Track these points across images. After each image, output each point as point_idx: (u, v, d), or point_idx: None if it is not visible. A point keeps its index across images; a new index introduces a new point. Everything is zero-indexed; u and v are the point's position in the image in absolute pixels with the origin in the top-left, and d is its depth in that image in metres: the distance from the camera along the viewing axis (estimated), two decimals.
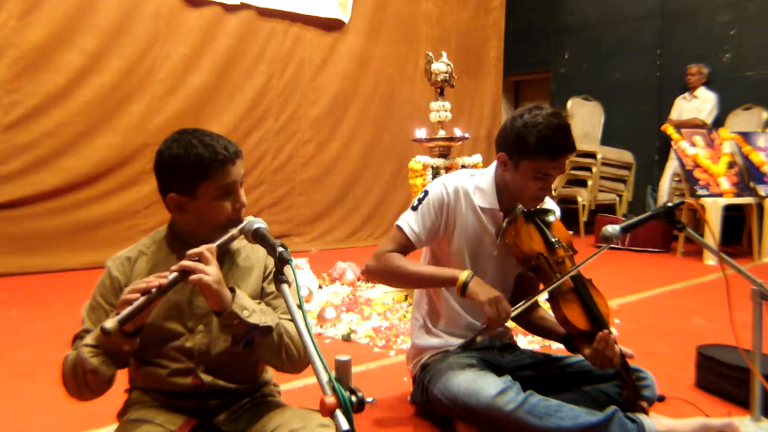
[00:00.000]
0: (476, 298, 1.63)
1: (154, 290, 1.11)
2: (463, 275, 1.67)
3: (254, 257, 1.37)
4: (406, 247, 1.80)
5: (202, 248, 1.17)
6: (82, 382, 1.18)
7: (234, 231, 1.22)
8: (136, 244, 1.36)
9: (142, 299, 1.10)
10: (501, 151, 1.78)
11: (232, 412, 1.32)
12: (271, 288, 1.35)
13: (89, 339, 1.18)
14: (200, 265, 1.15)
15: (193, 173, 1.23)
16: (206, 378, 1.29)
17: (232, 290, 1.19)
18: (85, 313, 1.28)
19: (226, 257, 1.34)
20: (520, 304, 1.69)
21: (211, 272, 1.15)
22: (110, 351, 1.17)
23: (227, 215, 1.27)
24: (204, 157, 1.22)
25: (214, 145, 1.24)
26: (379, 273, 1.79)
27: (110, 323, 1.06)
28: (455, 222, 1.82)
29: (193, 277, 1.13)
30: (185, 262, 1.15)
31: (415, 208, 1.82)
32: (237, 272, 1.34)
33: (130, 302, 1.10)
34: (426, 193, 1.84)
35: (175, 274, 1.13)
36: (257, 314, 1.20)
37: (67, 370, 1.20)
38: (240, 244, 1.37)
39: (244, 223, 1.22)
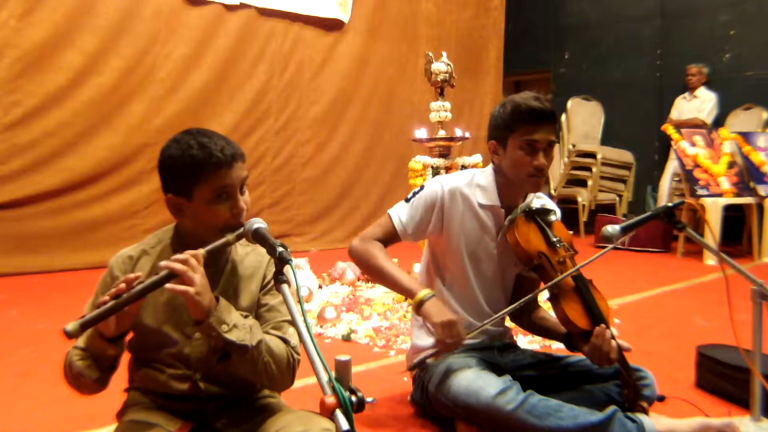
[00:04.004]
0: (429, 320, 1.62)
1: (124, 295, 1.07)
2: (422, 293, 1.66)
3: (254, 267, 1.34)
4: (391, 236, 1.81)
5: (187, 254, 1.13)
6: (78, 380, 1.19)
7: (230, 236, 1.18)
8: (140, 242, 1.34)
9: (110, 304, 1.06)
10: (489, 141, 1.81)
11: (231, 414, 1.31)
12: (266, 300, 1.32)
13: (80, 341, 1.18)
14: (188, 273, 1.10)
15: (187, 175, 1.20)
16: (204, 385, 1.27)
17: (219, 300, 1.16)
18: (87, 309, 1.27)
19: (228, 265, 1.32)
20: (479, 325, 1.72)
21: (194, 280, 1.10)
22: (96, 355, 1.16)
23: (224, 220, 1.23)
24: (198, 159, 1.19)
25: (210, 147, 1.20)
26: (358, 256, 1.80)
27: (71, 325, 1.02)
28: (450, 223, 1.82)
29: (173, 286, 1.09)
30: (170, 265, 1.11)
31: (408, 200, 1.84)
32: (237, 281, 1.31)
33: (100, 305, 1.07)
34: (422, 188, 1.85)
35: (152, 279, 1.10)
36: (237, 330, 1.15)
37: (66, 366, 1.21)
38: (244, 251, 1.35)
39: (242, 228, 1.17)
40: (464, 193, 1.82)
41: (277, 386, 1.28)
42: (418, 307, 1.66)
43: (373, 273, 1.80)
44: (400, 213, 1.82)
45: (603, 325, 1.65)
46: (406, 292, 1.72)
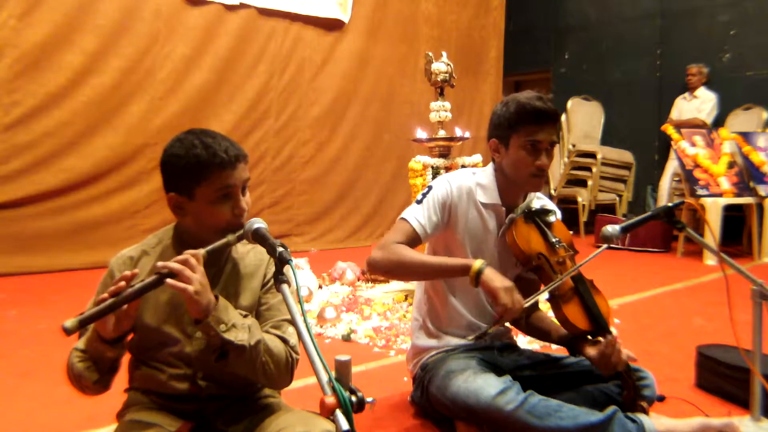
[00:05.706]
0: (491, 284, 1.59)
1: (123, 293, 1.08)
2: (478, 263, 1.63)
3: (255, 265, 1.34)
4: (413, 239, 1.77)
5: (187, 254, 1.14)
6: (79, 382, 1.19)
7: (230, 237, 1.19)
8: (141, 242, 1.34)
9: (109, 301, 1.07)
10: (490, 139, 1.81)
11: (232, 414, 1.31)
12: (266, 298, 1.33)
13: (80, 343, 1.18)
14: (186, 272, 1.11)
15: (191, 174, 1.21)
16: (204, 384, 1.27)
17: (218, 299, 1.16)
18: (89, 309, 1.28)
19: (228, 264, 1.32)
20: (530, 297, 1.67)
21: (193, 280, 1.11)
22: (95, 357, 1.17)
23: (225, 220, 1.23)
24: (202, 158, 1.20)
25: (214, 147, 1.21)
26: (385, 263, 1.72)
27: (70, 322, 1.02)
28: (456, 220, 1.81)
29: (174, 283, 1.09)
30: (168, 264, 1.11)
31: (419, 202, 1.81)
32: (238, 280, 1.32)
33: (100, 303, 1.07)
34: (430, 188, 1.83)
35: (152, 277, 1.10)
36: (236, 330, 1.16)
37: (68, 367, 1.21)
38: (244, 250, 1.35)
39: (242, 229, 1.18)
40: (470, 190, 1.82)
41: (274, 385, 1.28)
42: (477, 278, 1.62)
43: (412, 271, 1.75)
44: (416, 215, 1.78)
45: (614, 337, 1.66)
46: (459, 270, 1.67)
